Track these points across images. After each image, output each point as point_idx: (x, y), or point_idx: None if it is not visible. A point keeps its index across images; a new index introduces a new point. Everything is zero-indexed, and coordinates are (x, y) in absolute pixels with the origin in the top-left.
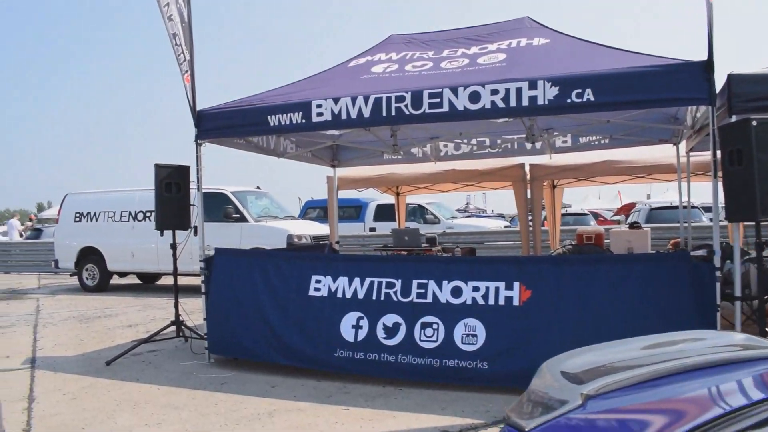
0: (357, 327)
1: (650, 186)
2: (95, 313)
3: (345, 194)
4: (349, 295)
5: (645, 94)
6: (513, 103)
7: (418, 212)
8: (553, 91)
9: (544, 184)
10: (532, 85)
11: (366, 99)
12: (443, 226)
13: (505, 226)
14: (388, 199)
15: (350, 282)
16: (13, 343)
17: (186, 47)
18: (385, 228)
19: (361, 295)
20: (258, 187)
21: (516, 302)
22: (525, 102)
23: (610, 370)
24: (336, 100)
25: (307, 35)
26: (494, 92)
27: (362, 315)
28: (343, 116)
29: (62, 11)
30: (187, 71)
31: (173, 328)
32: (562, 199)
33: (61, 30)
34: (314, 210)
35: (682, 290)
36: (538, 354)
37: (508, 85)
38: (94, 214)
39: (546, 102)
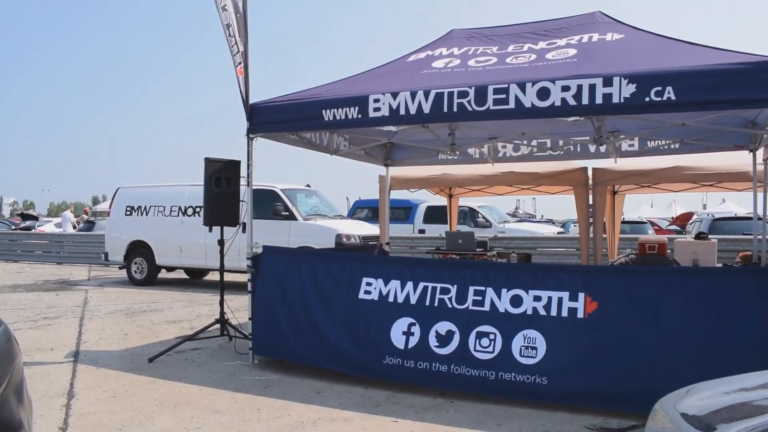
0: (408, 333)
1: (706, 195)
2: (141, 307)
3: (394, 195)
4: (400, 300)
5: (732, 93)
6: (585, 100)
7: (468, 215)
8: (629, 89)
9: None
10: (607, 82)
11: (426, 94)
12: (494, 231)
13: (558, 232)
14: (438, 200)
15: (402, 286)
16: (58, 335)
17: (240, 39)
18: (434, 230)
19: (413, 300)
20: (308, 185)
21: (580, 314)
22: (599, 100)
23: (739, 413)
24: (394, 95)
25: (363, 30)
26: (565, 89)
27: (414, 321)
28: (402, 112)
29: (112, 9)
30: (240, 63)
31: (218, 325)
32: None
33: (115, 27)
34: (363, 210)
35: (766, 309)
36: (603, 372)
37: (580, 81)
38: (145, 208)
39: (622, 100)
